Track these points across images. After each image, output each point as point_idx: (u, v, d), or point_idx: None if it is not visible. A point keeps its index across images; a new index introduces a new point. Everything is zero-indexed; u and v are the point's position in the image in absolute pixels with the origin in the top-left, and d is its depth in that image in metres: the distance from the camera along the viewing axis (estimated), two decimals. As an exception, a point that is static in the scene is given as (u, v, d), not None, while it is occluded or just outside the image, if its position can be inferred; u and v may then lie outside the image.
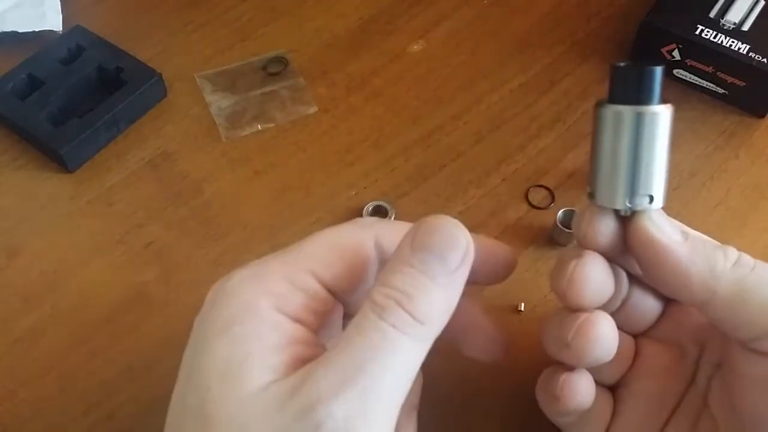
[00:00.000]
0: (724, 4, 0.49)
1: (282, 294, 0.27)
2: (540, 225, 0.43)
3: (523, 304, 0.40)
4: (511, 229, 0.43)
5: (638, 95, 0.25)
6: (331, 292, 0.28)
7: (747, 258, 0.29)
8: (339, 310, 0.30)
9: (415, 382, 0.26)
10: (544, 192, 0.45)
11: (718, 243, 0.29)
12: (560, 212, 0.42)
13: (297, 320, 0.27)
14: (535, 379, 0.38)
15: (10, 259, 0.42)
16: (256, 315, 0.26)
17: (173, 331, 0.40)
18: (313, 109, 0.49)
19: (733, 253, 0.29)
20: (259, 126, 0.48)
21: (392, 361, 0.25)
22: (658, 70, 0.25)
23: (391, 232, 0.29)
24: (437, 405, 0.37)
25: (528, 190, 0.45)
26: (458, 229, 0.26)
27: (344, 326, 0.29)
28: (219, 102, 0.49)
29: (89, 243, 0.43)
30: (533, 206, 0.44)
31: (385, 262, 0.28)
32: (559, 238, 0.42)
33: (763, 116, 0.48)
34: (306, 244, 0.29)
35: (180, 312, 0.41)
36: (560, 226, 0.41)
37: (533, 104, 0.49)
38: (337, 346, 0.25)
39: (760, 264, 0.29)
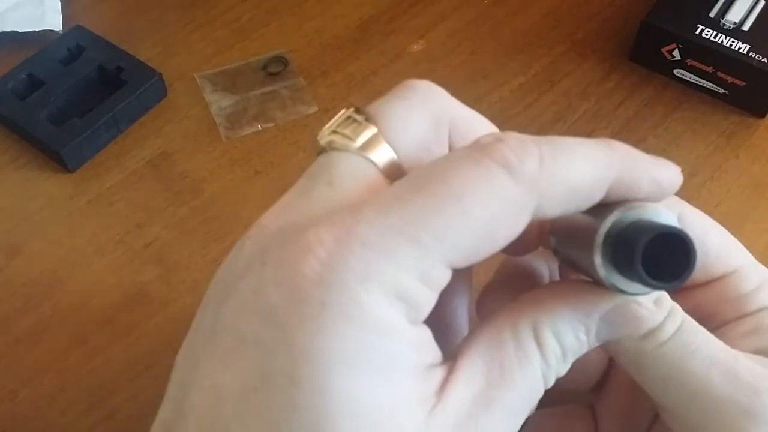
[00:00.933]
0: (724, 4, 0.49)
1: (416, 301, 0.21)
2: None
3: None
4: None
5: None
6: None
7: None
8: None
9: None
10: (544, 192, 0.45)
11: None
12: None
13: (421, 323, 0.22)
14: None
15: (10, 259, 0.42)
16: (396, 334, 0.20)
17: (173, 331, 0.40)
18: (313, 109, 0.49)
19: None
20: (259, 126, 0.48)
21: (534, 391, 0.22)
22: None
23: (560, 187, 0.22)
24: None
25: (528, 190, 0.45)
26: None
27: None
28: (219, 102, 0.49)
29: (89, 243, 0.43)
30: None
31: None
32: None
33: (763, 116, 0.48)
34: (447, 214, 0.20)
35: (180, 312, 0.41)
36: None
37: (533, 104, 0.49)
38: (472, 374, 0.22)
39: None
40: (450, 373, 0.22)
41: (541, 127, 0.48)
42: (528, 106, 0.49)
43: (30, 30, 0.51)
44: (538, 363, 0.22)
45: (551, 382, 0.23)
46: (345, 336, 0.19)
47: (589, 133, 0.48)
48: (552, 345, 0.22)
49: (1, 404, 0.37)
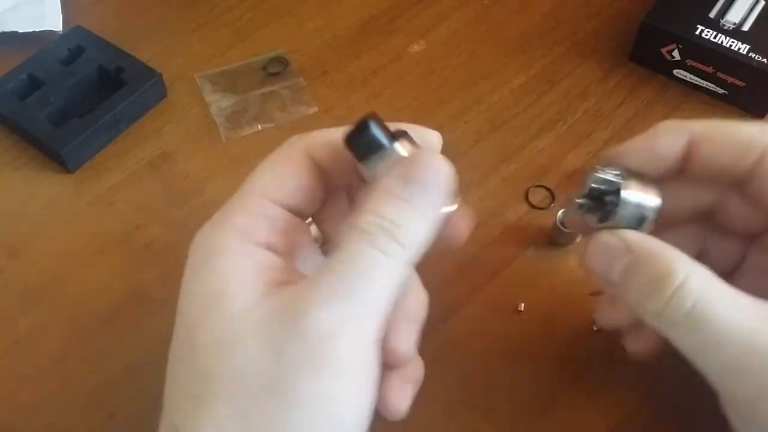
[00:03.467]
0: (724, 4, 0.49)
1: (246, 226, 0.29)
2: (540, 225, 0.43)
3: (522, 304, 0.40)
4: (511, 229, 0.43)
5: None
6: (291, 211, 0.30)
7: None
8: (305, 231, 0.32)
9: (417, 300, 0.32)
10: (544, 192, 0.45)
11: None
12: (560, 212, 0.42)
13: (267, 247, 0.29)
14: (535, 378, 0.38)
15: (10, 259, 0.42)
16: (226, 249, 0.28)
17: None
18: (313, 109, 0.49)
19: None
20: (259, 126, 0.48)
21: (377, 281, 0.26)
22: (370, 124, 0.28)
23: (319, 141, 0.32)
24: (438, 405, 0.37)
25: (528, 190, 0.45)
26: (446, 167, 0.29)
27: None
28: (219, 102, 0.49)
29: (89, 243, 0.43)
30: (533, 206, 0.44)
31: (322, 170, 0.31)
32: (559, 238, 0.42)
33: (763, 116, 0.48)
34: (251, 179, 0.31)
35: (180, 312, 0.41)
36: (560, 226, 0.41)
37: (533, 104, 0.49)
38: (325, 268, 0.27)
39: None
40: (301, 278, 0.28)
41: (541, 127, 0.48)
42: (528, 106, 0.49)
43: (30, 30, 0.51)
44: (374, 262, 0.27)
45: (403, 278, 0.28)
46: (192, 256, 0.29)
47: (589, 133, 0.48)
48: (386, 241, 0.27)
49: (1, 404, 0.37)
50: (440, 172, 0.29)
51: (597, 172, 0.30)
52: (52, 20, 0.52)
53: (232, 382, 0.26)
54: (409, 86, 0.50)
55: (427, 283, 0.41)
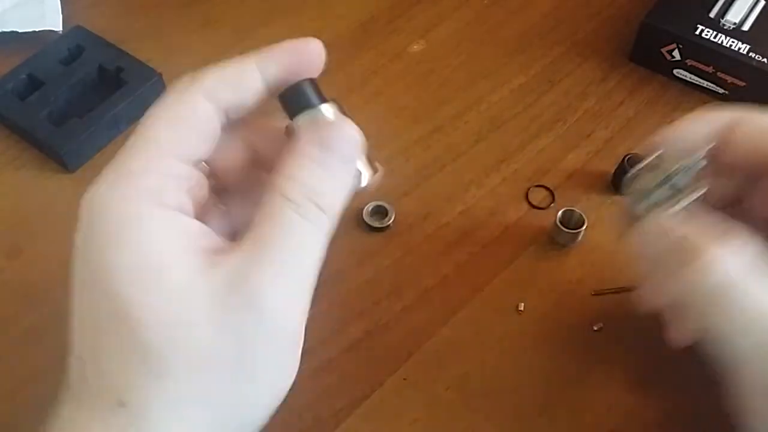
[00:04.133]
0: (724, 4, 0.49)
1: (156, 188, 0.28)
2: (540, 225, 0.43)
3: (522, 304, 0.40)
4: (511, 229, 0.43)
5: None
6: (193, 165, 0.29)
7: None
8: (205, 183, 0.31)
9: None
10: (544, 192, 0.45)
11: None
12: (560, 212, 0.42)
13: (180, 209, 0.28)
14: (535, 379, 0.38)
15: (10, 259, 0.42)
16: (144, 217, 0.27)
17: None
18: (313, 109, 0.49)
19: None
20: (259, 126, 0.48)
21: (307, 246, 0.28)
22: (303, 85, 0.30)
23: (215, 81, 0.31)
24: (438, 405, 0.37)
25: (528, 190, 0.45)
26: (357, 136, 0.30)
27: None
28: (219, 102, 0.49)
29: (89, 243, 0.43)
30: (533, 206, 0.44)
31: (225, 109, 0.30)
32: (559, 238, 0.42)
33: (763, 116, 0.48)
34: (148, 132, 0.29)
35: (180, 312, 0.41)
36: (560, 226, 0.41)
37: (533, 104, 0.49)
38: (262, 238, 0.27)
39: None
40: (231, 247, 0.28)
41: (541, 127, 0.48)
42: (528, 106, 0.49)
43: (30, 30, 0.51)
44: (297, 221, 0.27)
45: (325, 233, 0.28)
46: (100, 226, 0.27)
47: (589, 133, 0.48)
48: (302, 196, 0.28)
49: (1, 404, 0.37)
50: (352, 141, 0.30)
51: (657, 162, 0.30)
52: (52, 20, 0.52)
53: (189, 362, 0.26)
54: (409, 86, 0.50)
55: (427, 284, 0.41)
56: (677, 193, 0.30)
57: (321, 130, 0.29)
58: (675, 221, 0.30)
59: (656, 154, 0.31)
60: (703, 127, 0.32)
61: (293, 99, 0.30)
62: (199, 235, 0.28)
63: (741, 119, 0.32)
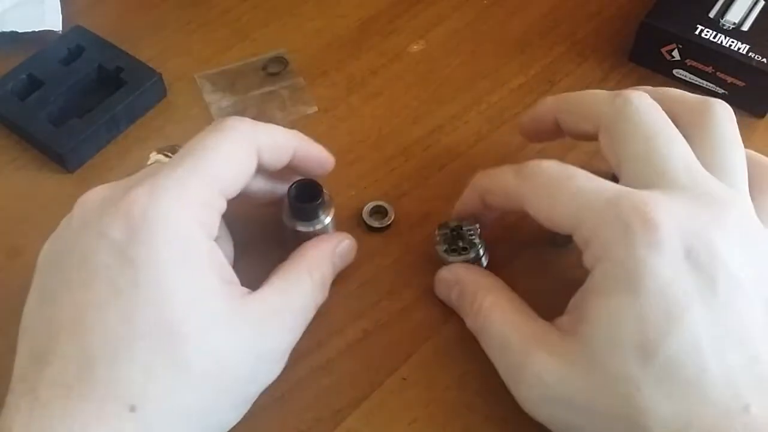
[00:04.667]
0: (724, 4, 0.49)
1: (206, 219, 0.32)
2: (540, 225, 0.43)
3: (523, 304, 0.40)
4: (511, 229, 0.43)
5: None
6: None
7: None
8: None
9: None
10: (544, 192, 0.45)
11: None
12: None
13: (215, 239, 0.32)
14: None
15: (10, 259, 0.42)
16: (203, 245, 0.31)
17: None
18: (313, 109, 0.49)
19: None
20: (259, 126, 0.48)
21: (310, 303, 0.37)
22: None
23: (267, 138, 0.35)
24: (438, 406, 0.37)
25: (528, 190, 0.45)
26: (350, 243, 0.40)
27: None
28: (219, 102, 0.49)
29: (89, 243, 0.43)
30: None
31: (264, 164, 0.35)
32: (559, 238, 0.42)
33: (763, 116, 0.48)
34: (208, 158, 0.33)
35: (180, 312, 0.41)
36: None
37: (533, 104, 0.49)
38: (281, 288, 0.35)
39: None
40: (254, 290, 0.34)
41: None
42: (528, 106, 0.49)
43: (30, 30, 0.51)
44: (309, 287, 0.36)
45: (320, 300, 0.37)
46: (165, 242, 0.30)
47: (589, 133, 0.48)
48: (316, 277, 0.37)
49: (1, 404, 0.37)
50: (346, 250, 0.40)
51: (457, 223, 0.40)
52: (52, 20, 0.52)
53: (215, 378, 0.31)
54: (409, 86, 0.50)
55: (427, 284, 0.41)
56: (467, 247, 0.40)
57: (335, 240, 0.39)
58: (460, 271, 0.39)
59: (453, 222, 0.40)
60: (543, 111, 0.41)
61: (302, 212, 0.39)
62: (224, 268, 0.33)
63: (562, 104, 0.40)
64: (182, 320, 0.29)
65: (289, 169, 0.38)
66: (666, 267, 0.30)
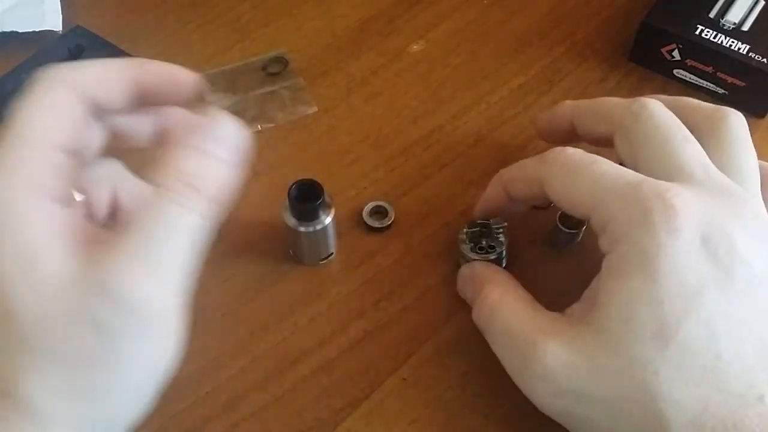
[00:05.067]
0: (724, 4, 0.49)
1: (37, 179, 0.28)
2: (540, 225, 0.43)
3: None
4: (512, 229, 0.43)
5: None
6: (66, 154, 0.30)
7: None
8: (73, 171, 0.31)
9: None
10: (544, 192, 0.45)
11: None
12: (560, 212, 0.42)
13: (60, 200, 0.29)
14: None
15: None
16: (27, 210, 0.28)
17: None
18: (313, 109, 0.49)
19: None
20: (259, 126, 0.48)
21: (180, 237, 0.29)
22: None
23: (92, 77, 0.31)
24: (438, 405, 0.37)
25: (528, 190, 0.45)
26: (237, 125, 0.32)
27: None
28: (219, 102, 0.49)
29: (89, 243, 0.43)
30: (533, 206, 0.44)
31: (92, 102, 0.31)
32: (558, 238, 0.42)
33: (763, 116, 0.48)
34: (22, 124, 0.30)
35: (180, 312, 0.41)
36: (560, 226, 0.41)
37: (533, 104, 0.49)
38: (128, 230, 0.28)
39: None
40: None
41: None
42: (528, 106, 0.49)
43: (30, 30, 0.51)
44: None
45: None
46: None
47: (589, 133, 0.48)
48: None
49: None
50: (235, 128, 0.31)
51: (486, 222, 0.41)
52: (52, 20, 0.52)
53: (55, 355, 0.27)
54: (409, 86, 0.50)
55: (427, 284, 0.41)
56: (493, 246, 0.40)
57: (201, 124, 0.31)
58: (478, 268, 0.39)
59: (479, 221, 0.41)
60: (561, 115, 0.41)
61: (302, 212, 0.39)
62: (75, 225, 0.29)
63: (578, 110, 0.41)
64: (10, 297, 0.27)
65: (149, 100, 0.33)
66: (684, 253, 0.30)
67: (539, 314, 0.35)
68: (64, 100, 0.30)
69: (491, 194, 0.40)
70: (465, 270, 0.40)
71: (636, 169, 0.35)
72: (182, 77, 0.34)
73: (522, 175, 0.38)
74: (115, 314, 0.27)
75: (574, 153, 0.35)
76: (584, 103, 0.41)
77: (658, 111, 0.36)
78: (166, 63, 0.34)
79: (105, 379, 0.28)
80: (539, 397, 0.33)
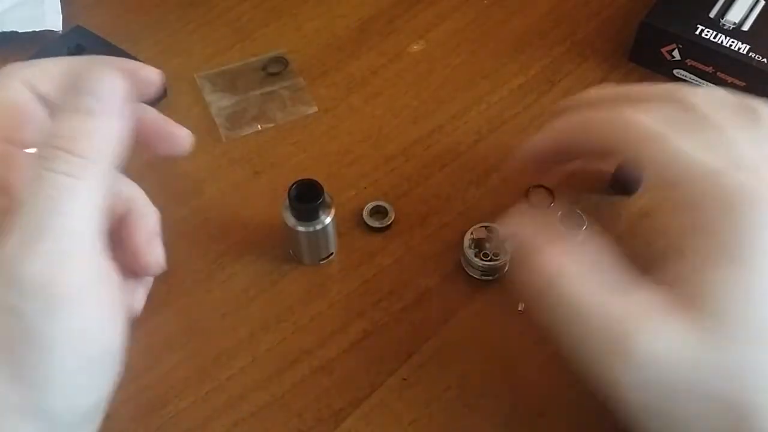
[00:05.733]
0: (724, 4, 0.49)
1: None
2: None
3: (522, 304, 0.40)
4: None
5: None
6: (10, 142, 0.30)
7: None
8: (24, 159, 0.31)
9: (151, 215, 0.34)
10: (544, 192, 0.45)
11: None
12: (560, 212, 0.42)
13: None
14: (535, 378, 0.38)
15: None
16: None
17: (173, 331, 0.40)
18: (313, 109, 0.49)
19: None
20: (259, 126, 0.48)
21: (74, 207, 0.27)
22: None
23: (40, 72, 0.31)
24: (438, 405, 0.37)
25: (528, 190, 0.45)
26: (103, 68, 0.29)
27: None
28: (219, 102, 0.49)
29: (89, 243, 0.43)
30: (533, 206, 0.44)
31: (39, 101, 0.31)
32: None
33: (763, 116, 0.48)
34: None
35: (180, 312, 0.41)
36: (560, 226, 0.41)
37: (533, 104, 0.49)
38: (17, 211, 0.27)
39: None
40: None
41: (541, 127, 0.48)
42: (528, 106, 0.49)
43: (30, 30, 0.51)
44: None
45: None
46: None
47: (589, 133, 0.48)
48: None
49: None
50: (107, 77, 0.29)
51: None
52: (52, 20, 0.52)
53: None
54: (409, 86, 0.50)
55: (427, 284, 0.41)
56: (498, 253, 0.40)
57: (74, 81, 0.29)
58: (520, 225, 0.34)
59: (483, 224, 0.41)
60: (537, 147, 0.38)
61: (302, 212, 0.39)
62: None
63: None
64: None
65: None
66: None
67: (625, 290, 0.30)
68: (13, 93, 0.31)
69: (542, 140, 0.37)
70: (505, 229, 0.36)
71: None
72: (144, 73, 0.33)
73: (597, 125, 0.34)
74: (22, 298, 0.26)
75: (656, 123, 0.32)
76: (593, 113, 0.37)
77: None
78: (128, 60, 0.34)
79: (36, 362, 0.27)
80: (624, 386, 0.29)
